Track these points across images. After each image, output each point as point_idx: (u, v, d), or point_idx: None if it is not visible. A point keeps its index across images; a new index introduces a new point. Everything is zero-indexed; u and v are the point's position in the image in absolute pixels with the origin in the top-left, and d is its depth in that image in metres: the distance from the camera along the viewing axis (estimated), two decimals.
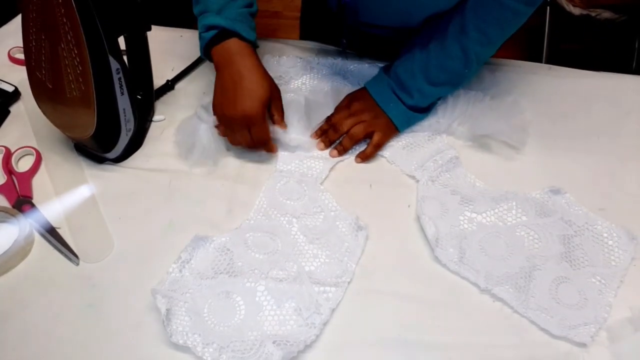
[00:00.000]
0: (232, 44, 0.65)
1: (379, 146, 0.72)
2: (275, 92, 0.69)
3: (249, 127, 0.66)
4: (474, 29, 0.65)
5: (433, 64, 0.69)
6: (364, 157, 0.71)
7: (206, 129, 0.70)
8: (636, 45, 1.48)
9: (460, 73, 0.69)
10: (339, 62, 0.84)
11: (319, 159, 0.71)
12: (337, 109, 0.76)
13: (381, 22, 0.76)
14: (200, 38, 0.67)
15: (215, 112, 0.68)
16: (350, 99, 0.76)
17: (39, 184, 0.70)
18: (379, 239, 0.62)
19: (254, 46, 0.68)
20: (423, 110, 0.73)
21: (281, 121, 0.70)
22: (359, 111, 0.73)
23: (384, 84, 0.73)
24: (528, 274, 0.57)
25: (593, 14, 1.49)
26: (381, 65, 0.83)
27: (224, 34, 0.65)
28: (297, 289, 0.56)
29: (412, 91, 0.71)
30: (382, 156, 0.72)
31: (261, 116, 0.65)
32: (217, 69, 0.67)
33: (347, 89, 0.78)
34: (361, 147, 0.73)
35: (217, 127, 0.70)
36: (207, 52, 0.68)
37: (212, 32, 0.66)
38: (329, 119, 0.74)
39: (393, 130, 0.73)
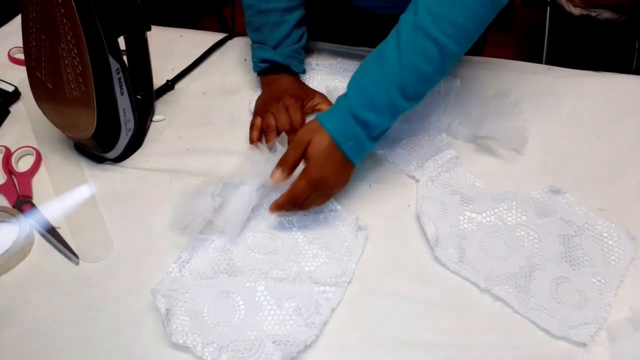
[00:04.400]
0: (282, 75, 0.76)
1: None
2: (308, 98, 0.74)
3: (286, 108, 0.71)
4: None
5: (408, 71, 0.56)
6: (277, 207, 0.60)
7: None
8: (636, 45, 1.48)
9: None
10: (338, 62, 0.84)
11: None
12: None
13: None
14: (254, 63, 0.78)
15: (256, 106, 0.75)
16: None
17: (39, 184, 0.70)
18: (378, 239, 0.62)
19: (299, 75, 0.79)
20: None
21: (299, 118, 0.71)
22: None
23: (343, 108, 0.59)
24: (528, 274, 0.57)
25: (593, 14, 1.49)
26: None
27: (277, 67, 0.76)
28: (297, 289, 0.56)
29: (382, 107, 0.57)
30: (382, 155, 0.72)
31: (294, 100, 0.72)
32: (263, 85, 0.78)
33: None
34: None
35: (253, 119, 0.73)
36: (257, 73, 0.79)
37: (265, 65, 0.76)
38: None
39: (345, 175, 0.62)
